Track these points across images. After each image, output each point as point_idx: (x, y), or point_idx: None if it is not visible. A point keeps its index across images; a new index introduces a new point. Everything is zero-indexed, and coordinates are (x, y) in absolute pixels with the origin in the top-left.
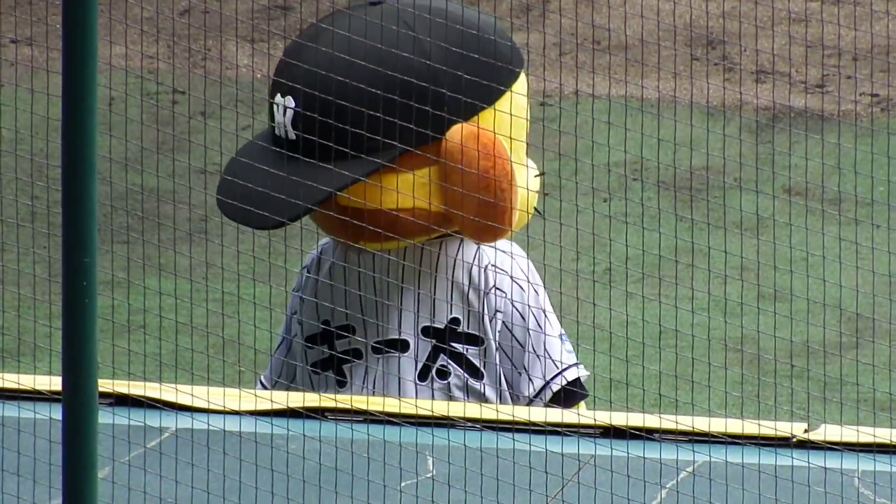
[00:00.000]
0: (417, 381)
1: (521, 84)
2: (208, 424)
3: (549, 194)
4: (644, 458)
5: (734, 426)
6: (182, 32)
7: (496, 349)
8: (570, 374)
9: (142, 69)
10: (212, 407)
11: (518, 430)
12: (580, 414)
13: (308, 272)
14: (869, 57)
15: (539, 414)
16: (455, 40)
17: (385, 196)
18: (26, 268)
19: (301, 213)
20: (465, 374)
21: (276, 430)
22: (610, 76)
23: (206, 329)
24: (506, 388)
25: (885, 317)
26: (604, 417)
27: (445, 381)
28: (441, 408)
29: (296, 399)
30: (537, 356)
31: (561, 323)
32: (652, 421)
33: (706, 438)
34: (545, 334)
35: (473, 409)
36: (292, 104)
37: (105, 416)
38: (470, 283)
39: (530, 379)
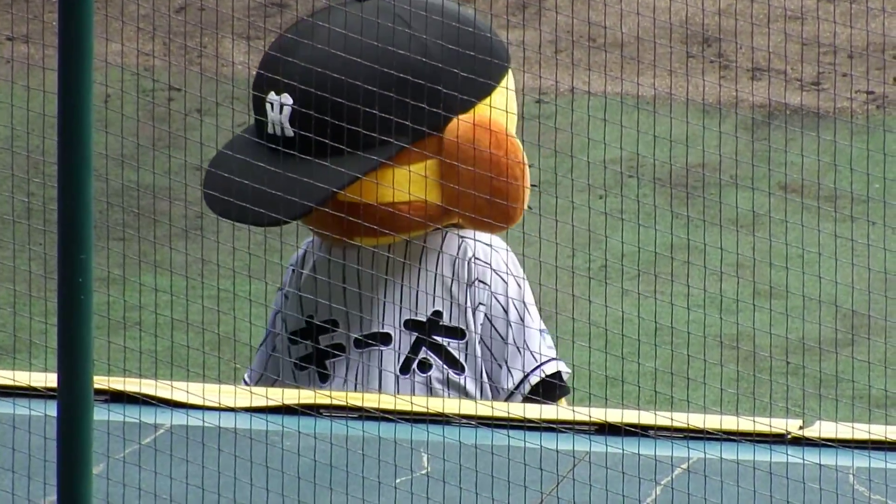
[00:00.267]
0: (399, 375)
1: (509, 79)
2: (203, 421)
3: (545, 191)
4: (639, 454)
5: (729, 423)
6: (178, 29)
7: (478, 342)
8: (549, 368)
9: (138, 66)
10: (207, 403)
11: (513, 427)
12: (575, 410)
13: (294, 269)
14: (864, 54)
15: (534, 410)
16: (448, 36)
17: (385, 191)
18: (22, 264)
19: (307, 210)
20: (447, 367)
21: (272, 427)
22: (606, 73)
23: (202, 326)
24: (486, 381)
25: (880, 314)
26: (599, 414)
27: (427, 375)
28: (436, 404)
29: (291, 396)
30: (517, 349)
31: (556, 319)
32: (647, 418)
33: (701, 435)
34: (526, 326)
35: (468, 406)
36: (290, 101)
37: (100, 413)
38: (453, 275)
39: (510, 371)
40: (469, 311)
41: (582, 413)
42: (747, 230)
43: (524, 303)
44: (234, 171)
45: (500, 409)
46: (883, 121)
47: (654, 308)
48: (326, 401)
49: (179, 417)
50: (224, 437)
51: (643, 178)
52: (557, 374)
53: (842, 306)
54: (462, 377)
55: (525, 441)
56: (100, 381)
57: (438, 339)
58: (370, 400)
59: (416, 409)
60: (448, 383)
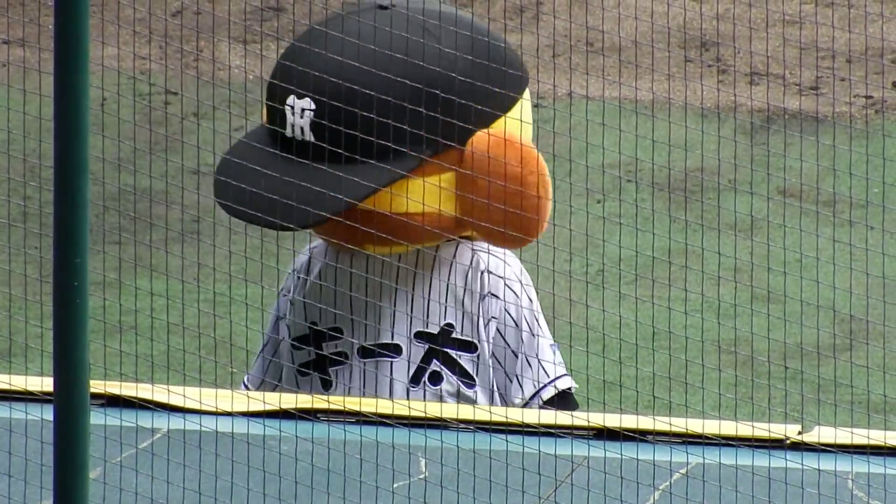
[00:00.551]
0: (410, 385)
1: (527, 91)
2: (200, 425)
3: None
4: (637, 459)
5: (728, 428)
6: (174, 33)
7: (489, 355)
8: (562, 384)
9: (134, 70)
10: (203, 408)
11: (511, 432)
12: (573, 415)
13: (299, 274)
14: (863, 59)
15: (532, 415)
16: (470, 48)
17: (399, 201)
18: (18, 268)
19: (330, 215)
20: (458, 380)
21: (268, 431)
22: (604, 78)
23: (198, 330)
24: (497, 394)
25: (878, 318)
26: (597, 419)
27: (438, 387)
28: (434, 409)
29: (288, 400)
30: (529, 364)
31: (554, 324)
32: (645, 422)
33: (699, 440)
34: (540, 336)
35: (466, 411)
36: (311, 106)
37: (97, 417)
38: (466, 287)
39: (521, 385)
40: (481, 323)
41: (580, 418)
42: (745, 235)
43: (536, 317)
44: (248, 175)
45: (498, 413)
46: (882, 125)
47: (652, 313)
48: (324, 405)
49: (176, 421)
50: (221, 441)
51: (641, 182)
52: (567, 391)
53: (840, 311)
54: (473, 390)
55: (523, 446)
56: (96, 385)
57: (450, 351)
58: (368, 405)
59: (413, 413)
60: (459, 396)
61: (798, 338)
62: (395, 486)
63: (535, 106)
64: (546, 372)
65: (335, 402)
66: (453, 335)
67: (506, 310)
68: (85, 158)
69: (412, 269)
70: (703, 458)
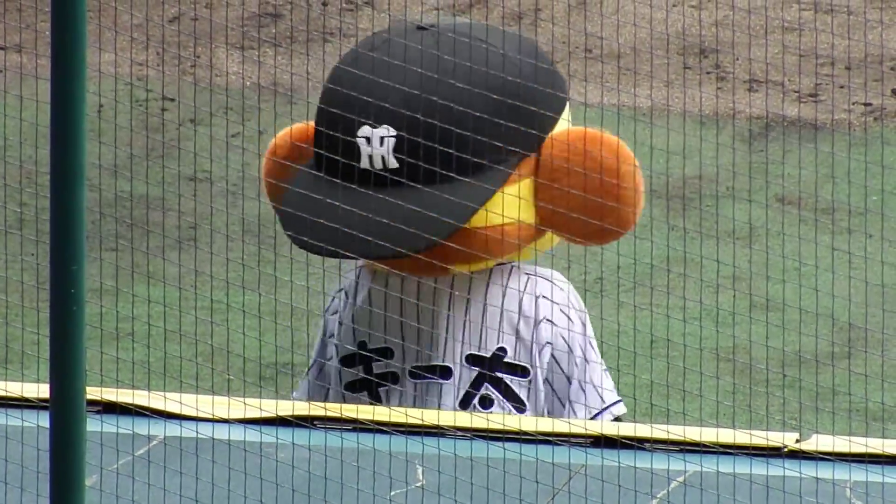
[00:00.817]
0: (458, 409)
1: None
2: (197, 432)
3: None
4: (635, 467)
5: (725, 436)
6: (171, 39)
7: (542, 380)
8: (617, 410)
9: (131, 76)
10: (200, 415)
11: (508, 440)
12: (571, 423)
13: (346, 295)
14: (862, 66)
15: (529, 423)
16: (528, 54)
17: (489, 215)
18: (14, 275)
19: (443, 237)
20: (509, 404)
21: (265, 439)
22: (602, 84)
23: (195, 337)
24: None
25: (877, 326)
26: (594, 427)
27: (488, 411)
28: (431, 416)
29: (285, 407)
30: (583, 389)
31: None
32: (643, 430)
33: (697, 448)
34: (593, 362)
35: (464, 418)
36: (392, 132)
37: (93, 424)
38: (520, 312)
39: (574, 412)
40: (535, 348)
41: (578, 425)
42: (744, 242)
43: (589, 342)
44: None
45: (496, 421)
46: (881, 133)
47: (650, 320)
48: (321, 412)
49: (173, 429)
50: (218, 448)
51: None
52: (620, 419)
53: (838, 319)
54: (524, 415)
55: (521, 454)
56: (92, 392)
57: (502, 375)
58: (365, 412)
59: (411, 420)
60: None
61: (796, 345)
62: (392, 493)
63: None
64: (602, 398)
65: (332, 409)
66: (505, 359)
67: (560, 335)
68: (82, 165)
69: (466, 296)
70: (701, 466)
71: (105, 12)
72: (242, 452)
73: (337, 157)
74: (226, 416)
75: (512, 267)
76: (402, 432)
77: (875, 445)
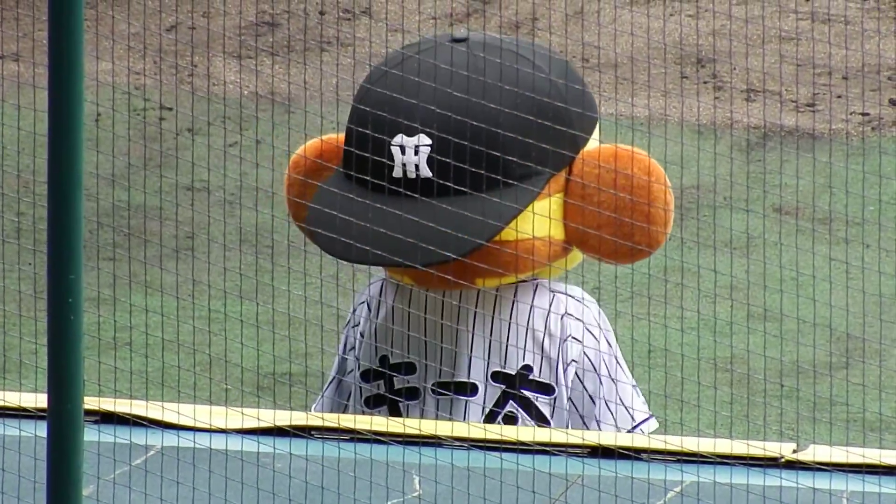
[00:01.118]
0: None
1: None
2: (194, 442)
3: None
4: (632, 477)
5: (723, 446)
6: (169, 48)
7: (567, 398)
8: (648, 427)
9: (129, 85)
10: (198, 425)
11: (506, 450)
12: (568, 433)
13: (369, 308)
14: (859, 75)
15: (527, 433)
16: (560, 69)
17: (522, 227)
18: (12, 284)
19: (474, 247)
20: (534, 422)
21: (263, 449)
22: (600, 94)
23: (193, 346)
24: None
25: (874, 337)
26: (592, 437)
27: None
28: (428, 427)
29: (282, 417)
30: (609, 408)
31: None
32: (640, 440)
33: (695, 458)
34: (620, 381)
35: (461, 428)
36: (427, 141)
37: (90, 434)
38: (546, 330)
39: (600, 428)
40: (560, 367)
41: (575, 436)
42: (741, 252)
43: (617, 361)
44: (377, 216)
45: (493, 431)
46: (878, 143)
47: (647, 330)
48: (318, 422)
49: (170, 439)
50: (215, 458)
51: None
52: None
53: (836, 329)
54: None
55: (517, 464)
56: (90, 402)
57: (527, 392)
58: (362, 422)
59: (407, 431)
60: None
61: (794, 356)
62: (388, 503)
63: None
64: (632, 417)
65: (329, 419)
66: (531, 377)
67: (585, 354)
68: (79, 174)
69: (490, 310)
70: (698, 476)
71: (103, 21)
72: (240, 463)
73: (372, 158)
74: (223, 427)
75: (538, 284)
76: (399, 442)
77: (872, 456)
